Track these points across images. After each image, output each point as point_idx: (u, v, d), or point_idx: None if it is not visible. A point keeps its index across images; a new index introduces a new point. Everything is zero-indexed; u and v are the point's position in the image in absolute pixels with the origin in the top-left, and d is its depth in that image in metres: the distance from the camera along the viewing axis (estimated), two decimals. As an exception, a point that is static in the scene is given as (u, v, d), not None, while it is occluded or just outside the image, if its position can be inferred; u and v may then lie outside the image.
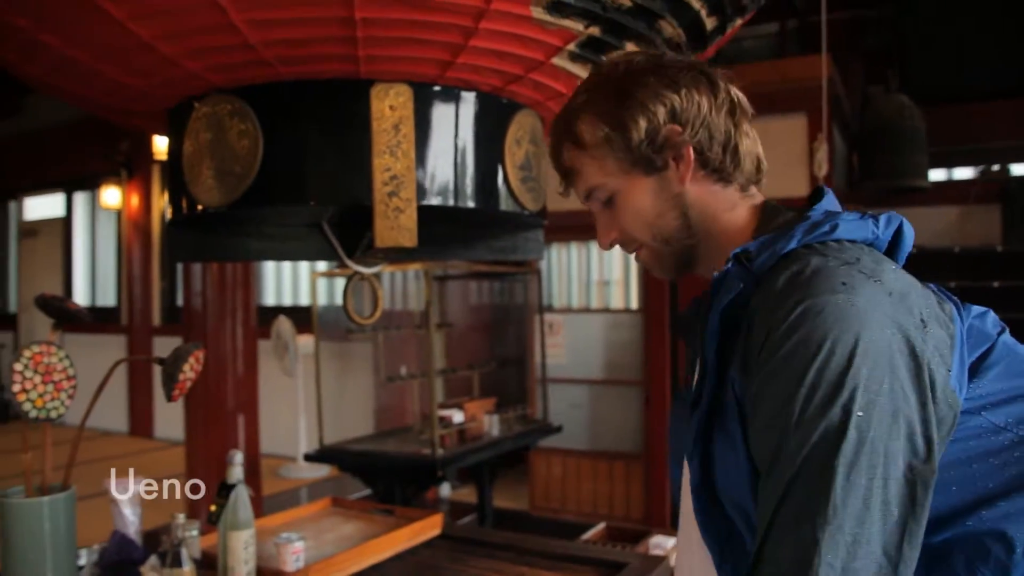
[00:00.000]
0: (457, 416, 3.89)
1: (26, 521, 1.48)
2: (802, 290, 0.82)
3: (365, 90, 1.52)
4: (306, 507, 2.75)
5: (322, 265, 7.24)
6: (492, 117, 1.69)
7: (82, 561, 1.94)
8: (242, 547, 1.95)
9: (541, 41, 1.50)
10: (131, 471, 2.00)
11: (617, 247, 1.07)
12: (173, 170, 1.70)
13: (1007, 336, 0.92)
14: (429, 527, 2.45)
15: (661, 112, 0.96)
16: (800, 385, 0.78)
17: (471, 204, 1.63)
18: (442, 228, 1.66)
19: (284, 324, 6.37)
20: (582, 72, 1.61)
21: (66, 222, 9.93)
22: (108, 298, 9.55)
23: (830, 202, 0.96)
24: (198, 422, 4.76)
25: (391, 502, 3.58)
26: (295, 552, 2.05)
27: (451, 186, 1.60)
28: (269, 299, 8.07)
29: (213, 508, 1.99)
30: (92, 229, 9.80)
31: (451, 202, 1.58)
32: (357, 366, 6.53)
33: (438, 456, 3.58)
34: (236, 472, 2.01)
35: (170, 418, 7.79)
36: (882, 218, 0.91)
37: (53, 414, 1.40)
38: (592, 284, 6.34)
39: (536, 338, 5.18)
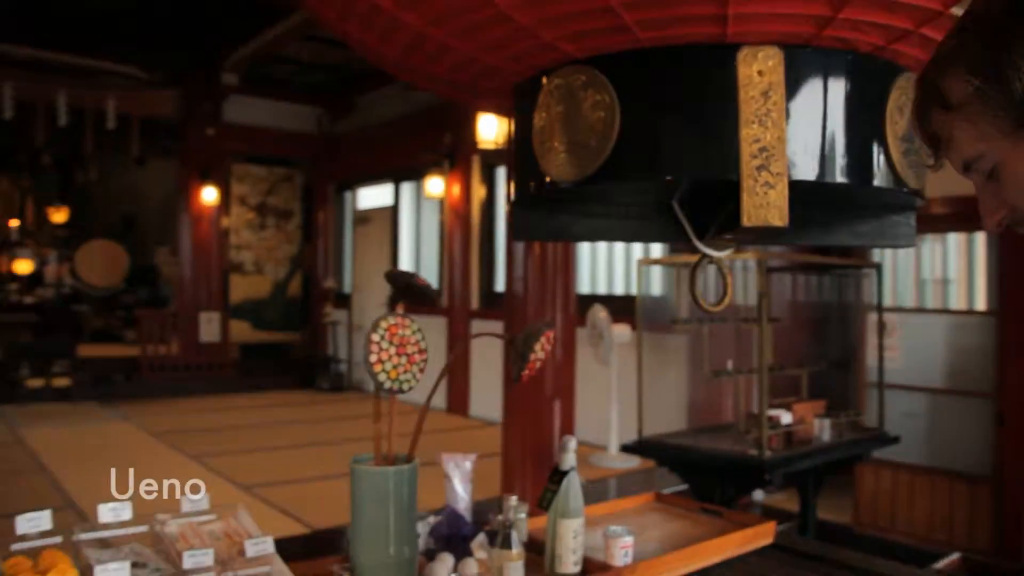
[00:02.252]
0: (785, 417, 3.63)
1: (373, 487, 1.51)
2: None
3: (731, 55, 1.37)
4: (629, 499, 2.66)
5: (636, 251, 7.17)
6: (872, 81, 1.47)
7: (425, 524, 1.98)
8: (571, 535, 1.89)
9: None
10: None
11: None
12: (521, 146, 1.65)
13: None
14: (761, 535, 2.27)
15: None
16: None
17: (845, 180, 1.43)
18: (800, 209, 1.48)
19: (600, 312, 6.40)
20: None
21: (394, 210, 10.73)
22: (431, 282, 10.19)
23: None
24: (516, 405, 4.88)
25: (708, 502, 3.42)
26: (624, 547, 1.96)
27: (825, 159, 1.41)
28: (584, 287, 8.16)
29: (544, 493, 1.95)
30: (417, 217, 10.50)
31: (826, 177, 1.39)
32: (670, 359, 6.39)
33: (766, 458, 3.36)
34: (569, 459, 1.94)
35: (485, 399, 8.16)
36: None
37: (405, 386, 1.41)
38: (928, 282, 5.74)
39: (868, 339, 4.76)
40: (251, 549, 1.49)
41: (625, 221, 1.83)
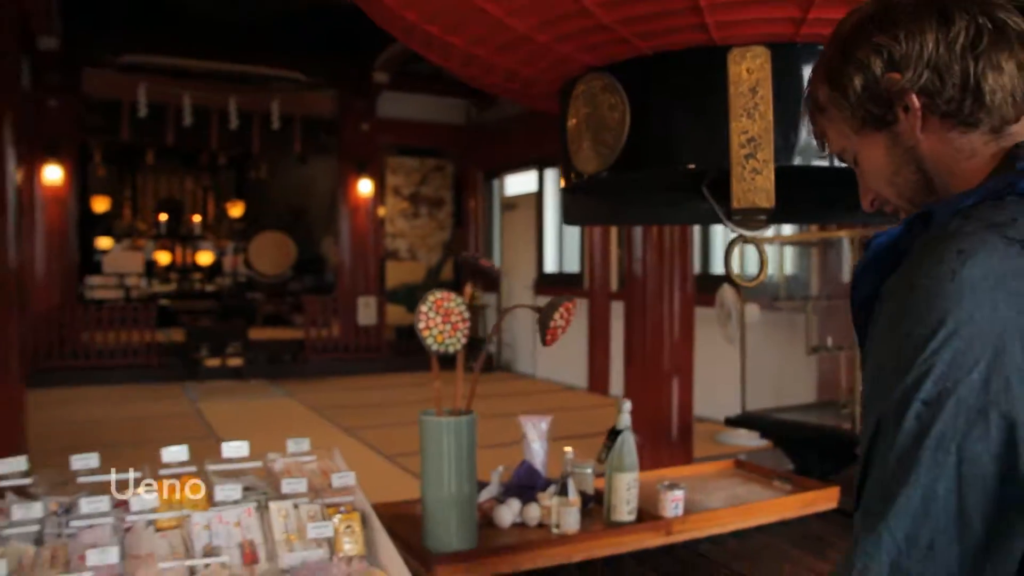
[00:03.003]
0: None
1: (435, 434, 1.81)
2: (913, 259, 0.74)
3: (722, 56, 1.57)
4: (709, 464, 2.86)
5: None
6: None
7: (497, 473, 2.28)
8: (625, 488, 2.13)
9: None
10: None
11: None
12: (562, 144, 1.91)
13: None
14: (824, 499, 2.41)
15: (877, 63, 0.89)
16: (877, 367, 0.73)
17: (826, 164, 1.61)
18: (805, 191, 1.65)
19: (728, 292, 6.49)
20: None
21: (538, 196, 11.05)
22: (573, 265, 10.47)
23: None
24: (636, 381, 5.08)
25: (808, 476, 3.53)
26: (675, 500, 2.18)
27: (809, 145, 1.58)
28: (718, 267, 8.21)
29: (601, 449, 2.20)
30: (560, 203, 10.76)
31: (810, 161, 1.57)
32: (798, 336, 6.41)
33: (858, 432, 3.45)
34: (624, 419, 2.18)
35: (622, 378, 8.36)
36: None
37: (451, 349, 1.69)
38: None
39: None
40: (337, 481, 1.83)
41: (663, 208, 2.05)
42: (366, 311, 10.89)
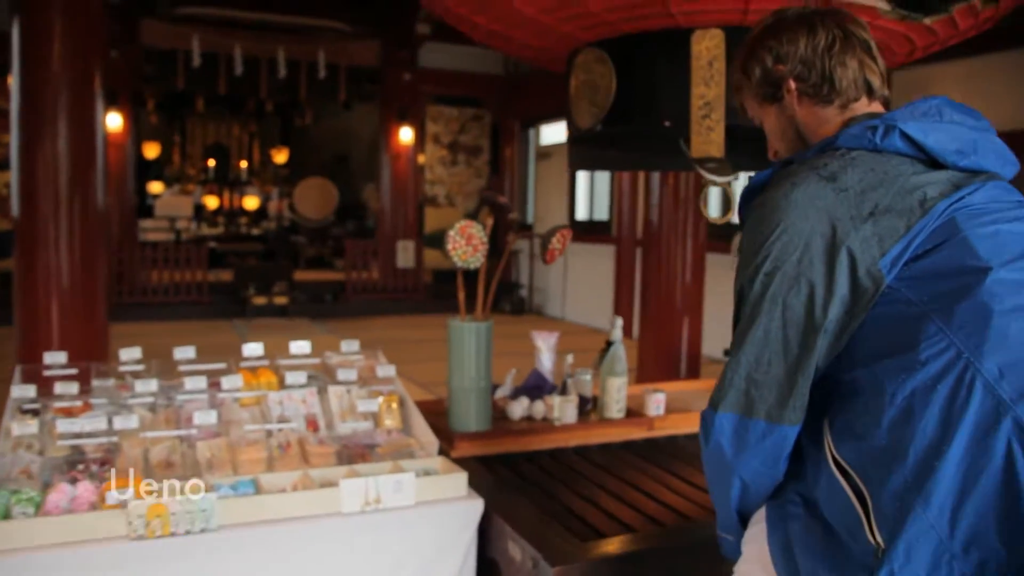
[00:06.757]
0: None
1: (458, 337, 2.27)
2: (768, 188, 1.19)
3: (687, 36, 1.98)
4: (697, 382, 3.31)
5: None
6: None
7: (510, 375, 2.74)
8: (615, 390, 2.59)
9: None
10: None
11: None
12: (568, 102, 2.33)
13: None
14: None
15: (768, 58, 1.31)
16: (743, 254, 1.18)
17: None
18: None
19: (739, 240, 6.87)
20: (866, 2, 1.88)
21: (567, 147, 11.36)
22: (602, 213, 10.84)
23: (900, 113, 1.19)
24: (650, 321, 5.50)
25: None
26: (657, 402, 2.64)
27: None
28: (735, 217, 8.53)
29: (597, 356, 2.65)
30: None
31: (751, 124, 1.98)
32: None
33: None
34: (616, 332, 2.63)
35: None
36: (880, 129, 1.16)
37: (471, 265, 2.14)
38: None
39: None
40: (380, 371, 2.31)
41: (651, 155, 2.47)
42: (404, 255, 11.37)
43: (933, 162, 1.16)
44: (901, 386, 1.05)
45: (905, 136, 1.15)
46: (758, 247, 1.15)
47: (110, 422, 1.89)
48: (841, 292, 1.10)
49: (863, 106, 1.30)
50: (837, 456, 1.11)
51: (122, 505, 1.63)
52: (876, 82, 1.30)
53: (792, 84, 1.31)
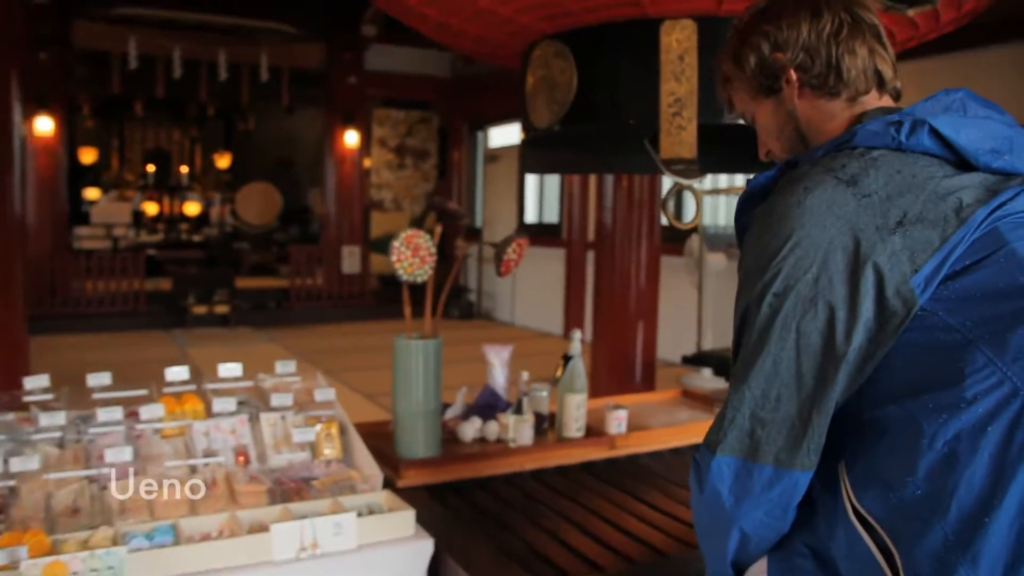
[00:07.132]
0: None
1: (404, 357, 2.08)
2: (775, 193, 1.01)
3: (655, 27, 1.81)
4: (657, 394, 3.14)
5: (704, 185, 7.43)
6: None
7: (461, 393, 2.54)
8: (575, 407, 2.41)
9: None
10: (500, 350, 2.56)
11: None
12: (523, 100, 2.15)
13: None
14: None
15: (765, 46, 1.14)
16: (746, 269, 1.00)
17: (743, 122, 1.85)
18: (734, 148, 1.89)
19: (694, 242, 6.76)
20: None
21: (520, 149, 11.22)
22: (552, 215, 10.71)
23: (924, 106, 1.04)
24: (604, 325, 5.35)
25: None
26: (618, 419, 2.46)
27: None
28: (687, 219, 8.46)
29: (557, 374, 2.47)
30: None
31: (725, 121, 1.82)
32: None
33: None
34: (575, 347, 2.46)
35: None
36: (905, 125, 1.00)
37: (419, 279, 1.95)
38: None
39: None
40: (319, 395, 2.10)
41: (614, 156, 2.30)
42: (350, 260, 11.11)
43: (962, 163, 0.99)
44: (942, 427, 0.89)
45: (935, 133, 0.99)
46: (765, 263, 0.98)
47: (6, 463, 1.65)
48: (865, 316, 0.93)
49: (873, 99, 1.15)
50: (858, 506, 0.94)
51: (13, 566, 1.40)
52: (888, 72, 1.14)
53: (793, 74, 1.15)
